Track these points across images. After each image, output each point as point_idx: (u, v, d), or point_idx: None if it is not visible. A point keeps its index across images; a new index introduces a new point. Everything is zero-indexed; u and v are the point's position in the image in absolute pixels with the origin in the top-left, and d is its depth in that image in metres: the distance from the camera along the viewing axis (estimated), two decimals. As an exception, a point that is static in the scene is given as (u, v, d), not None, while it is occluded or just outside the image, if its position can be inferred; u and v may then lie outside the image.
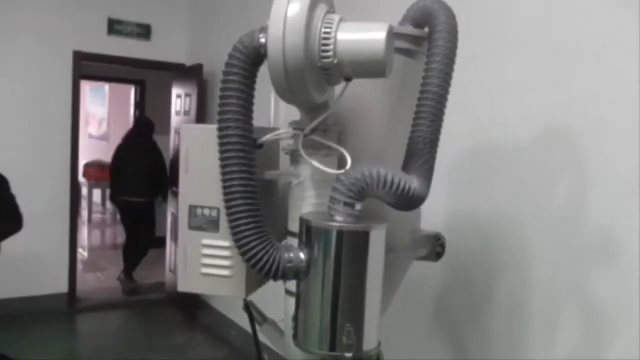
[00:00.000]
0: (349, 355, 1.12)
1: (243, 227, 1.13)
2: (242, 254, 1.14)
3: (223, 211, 1.22)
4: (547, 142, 2.08)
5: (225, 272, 1.26)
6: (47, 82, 4.69)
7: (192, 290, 1.31)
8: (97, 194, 9.04)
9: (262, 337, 1.69)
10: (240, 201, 1.14)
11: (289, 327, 1.29)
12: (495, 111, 2.28)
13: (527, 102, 2.15)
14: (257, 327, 1.71)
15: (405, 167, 1.33)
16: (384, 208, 1.32)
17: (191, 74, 4.80)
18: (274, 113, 1.58)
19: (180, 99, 4.91)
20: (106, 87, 8.96)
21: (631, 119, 1.80)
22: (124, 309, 5.01)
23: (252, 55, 1.16)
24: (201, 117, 4.64)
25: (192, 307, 4.75)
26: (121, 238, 7.87)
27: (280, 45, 1.08)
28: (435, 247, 1.63)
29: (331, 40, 1.11)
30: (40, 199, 4.67)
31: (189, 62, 5.09)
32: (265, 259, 1.13)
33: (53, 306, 4.70)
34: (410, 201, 1.24)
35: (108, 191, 8.82)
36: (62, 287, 4.80)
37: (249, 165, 1.16)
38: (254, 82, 1.19)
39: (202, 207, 1.27)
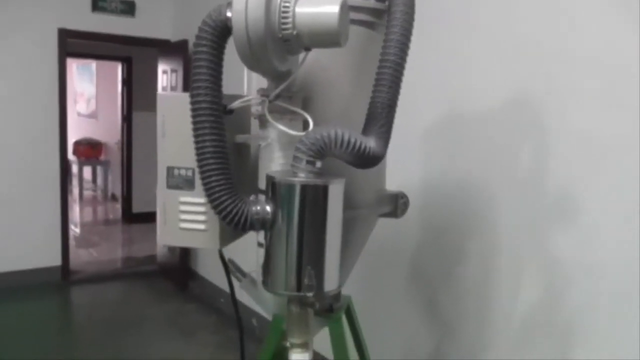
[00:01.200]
0: (310, 294, 1.26)
1: (214, 184, 1.26)
2: (214, 208, 1.27)
3: (198, 171, 1.35)
4: (513, 108, 2.21)
5: (201, 227, 1.39)
6: (33, 60, 4.76)
7: (172, 244, 1.44)
8: (87, 171, 9.14)
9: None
10: (211, 160, 1.26)
11: (260, 275, 1.43)
12: (467, 81, 2.41)
13: (495, 72, 2.28)
14: (237, 283, 1.84)
15: (365, 130, 1.45)
16: (350, 170, 1.45)
17: (177, 49, 4.88)
18: (247, 82, 1.70)
19: (166, 74, 5.00)
20: (93, 64, 8.99)
21: (591, 83, 1.93)
22: (117, 281, 5.16)
23: (219, 29, 1.27)
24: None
25: (183, 277, 4.91)
26: (112, 215, 8.02)
27: (243, 18, 1.19)
28: (398, 204, 1.76)
29: (290, 13, 1.23)
30: (31, 177, 4.79)
31: (174, 38, 5.17)
32: (234, 211, 1.27)
33: (47, 279, 4.85)
34: (367, 159, 1.36)
35: (101, 168, 8.94)
36: (56, 260, 4.94)
37: (218, 128, 1.28)
38: (222, 53, 1.31)
39: (178, 168, 1.39)
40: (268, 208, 1.28)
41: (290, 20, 1.23)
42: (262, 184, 1.47)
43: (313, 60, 1.53)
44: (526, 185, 2.17)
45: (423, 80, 2.56)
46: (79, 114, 9.70)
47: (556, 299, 2.07)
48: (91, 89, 9.26)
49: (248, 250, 2.08)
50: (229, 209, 1.27)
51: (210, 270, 4.73)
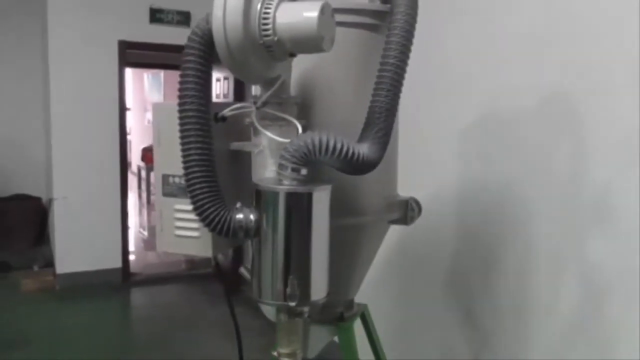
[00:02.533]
0: (292, 303, 1.24)
1: (198, 192, 1.27)
2: (198, 215, 1.28)
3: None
4: (549, 108, 2.10)
5: (194, 234, 1.41)
6: (95, 71, 4.99)
7: (168, 250, 1.46)
8: (155, 176, 9.47)
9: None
10: (196, 169, 1.27)
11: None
12: (501, 82, 2.31)
13: (530, 70, 2.17)
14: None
15: (362, 135, 1.42)
16: (357, 177, 1.42)
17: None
18: (253, 88, 1.70)
19: (219, 82, 5.11)
20: (162, 74, 9.34)
21: (629, 82, 1.80)
22: (174, 283, 5.32)
23: (206, 37, 1.28)
24: (239, 99, 4.82)
25: (235, 280, 4.98)
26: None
27: (221, 24, 1.20)
28: (407, 211, 1.71)
29: (270, 20, 1.22)
30: (95, 183, 5.03)
31: (227, 46, 5.27)
32: (217, 219, 1.26)
33: (109, 280, 5.07)
34: (357, 166, 1.33)
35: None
36: (117, 262, 5.16)
37: (204, 136, 1.29)
38: (210, 62, 1.32)
39: (173, 176, 1.41)
40: (252, 216, 1.27)
41: (270, 26, 1.22)
42: (254, 191, 1.46)
43: (313, 65, 1.52)
44: (564, 188, 2.05)
45: (456, 81, 2.48)
46: (149, 122, 10.11)
47: (596, 307, 1.94)
48: (160, 97, 9.62)
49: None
50: (212, 216, 1.27)
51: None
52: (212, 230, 1.28)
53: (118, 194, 5.14)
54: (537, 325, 2.18)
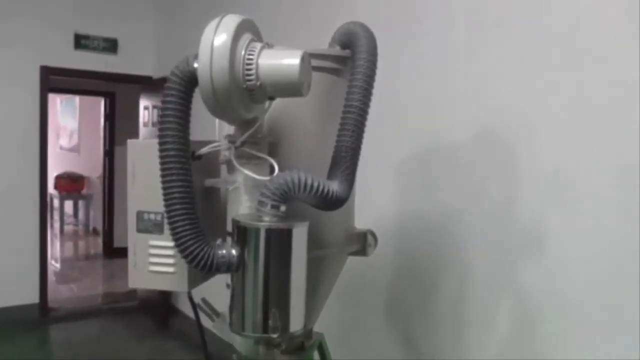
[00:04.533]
0: (275, 335, 1.29)
1: (180, 229, 1.30)
2: (181, 252, 1.31)
3: (165, 216, 1.39)
4: (483, 144, 2.28)
5: (169, 269, 1.43)
6: (15, 96, 4.80)
7: (142, 286, 1.47)
8: (68, 205, 9.09)
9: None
10: (178, 206, 1.30)
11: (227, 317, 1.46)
12: (438, 118, 2.48)
13: (465, 108, 2.35)
14: (210, 322, 1.86)
15: (330, 173, 1.50)
16: (318, 210, 1.50)
17: (158, 86, 4.94)
18: (218, 128, 1.75)
19: (147, 110, 5.05)
20: (77, 99, 9.03)
21: (558, 120, 2.00)
22: (97, 318, 5.11)
23: (186, 79, 1.33)
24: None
25: (164, 314, 4.87)
26: (93, 249, 7.97)
27: (208, 69, 1.25)
28: (365, 243, 1.81)
29: (253, 66, 1.29)
30: (9, 211, 4.77)
31: (156, 75, 5.24)
32: (200, 255, 1.30)
33: (25, 317, 4.79)
34: (330, 202, 1.41)
35: (82, 202, 8.88)
36: (34, 297, 4.89)
37: (185, 174, 1.32)
38: (189, 102, 1.36)
39: (148, 213, 1.43)
40: (234, 251, 1.32)
41: (253, 72, 1.29)
42: (230, 227, 1.51)
43: (280, 107, 1.60)
44: (498, 219, 2.22)
45: (394, 114, 2.64)
46: (61, 148, 9.70)
47: (528, 330, 2.11)
48: (74, 123, 9.28)
49: (221, 290, 2.11)
50: (195, 252, 1.30)
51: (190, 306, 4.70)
52: (195, 266, 1.31)
53: (35, 224, 4.90)
54: (474, 348, 2.33)
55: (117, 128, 7.35)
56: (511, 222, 2.18)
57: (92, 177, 8.59)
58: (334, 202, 1.43)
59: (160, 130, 1.33)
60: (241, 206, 1.48)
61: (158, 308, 4.92)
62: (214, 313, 1.82)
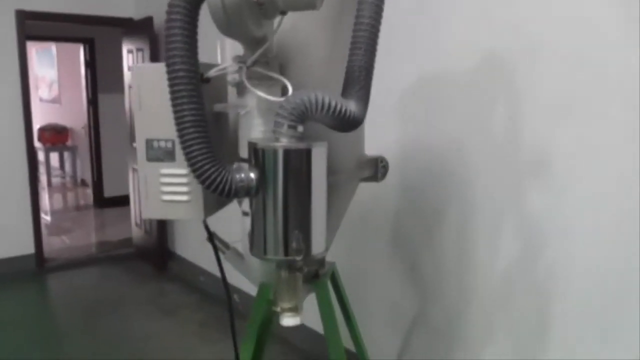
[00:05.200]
0: (299, 258, 1.27)
1: (197, 153, 1.25)
2: (197, 177, 1.26)
3: (178, 142, 1.34)
4: (486, 67, 2.23)
5: (184, 198, 1.38)
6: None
7: (155, 217, 1.42)
8: (54, 157, 8.94)
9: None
10: (192, 129, 1.25)
11: (247, 243, 1.43)
12: (441, 44, 2.42)
13: (469, 35, 2.29)
14: (222, 255, 1.84)
15: (344, 93, 1.45)
16: (328, 135, 1.45)
17: (141, 28, 4.77)
18: (220, 51, 1.67)
19: (132, 54, 4.89)
20: (53, 47, 8.73)
21: (562, 41, 1.95)
22: (94, 266, 5.10)
23: None
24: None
25: (161, 258, 4.88)
26: (83, 200, 7.90)
27: (218, -18, 1.17)
28: (378, 168, 1.78)
29: (264, -24, 1.21)
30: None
31: (137, 16, 5.04)
32: (218, 179, 1.26)
33: (22, 268, 4.77)
34: (348, 123, 1.37)
35: (68, 154, 8.74)
36: (29, 249, 4.85)
37: (197, 96, 1.26)
38: (196, 19, 1.28)
39: (157, 140, 1.38)
40: (252, 175, 1.28)
41: (264, -17, 1.21)
42: (243, 153, 1.46)
43: (288, 25, 1.52)
44: (502, 146, 2.20)
45: (395, 42, 2.56)
46: (42, 100, 9.45)
47: (533, 256, 2.13)
48: (52, 74, 9.01)
49: (231, 222, 2.08)
50: (212, 177, 1.25)
51: (189, 250, 4.72)
52: (214, 191, 1.27)
53: (24, 176, 4.80)
54: (479, 278, 2.35)
55: (99, 76, 7.14)
56: (516, 146, 2.16)
57: (76, 128, 8.42)
58: (351, 123, 1.38)
59: (167, 50, 1.26)
60: (254, 131, 1.43)
61: (155, 253, 4.91)
62: (224, 246, 1.80)
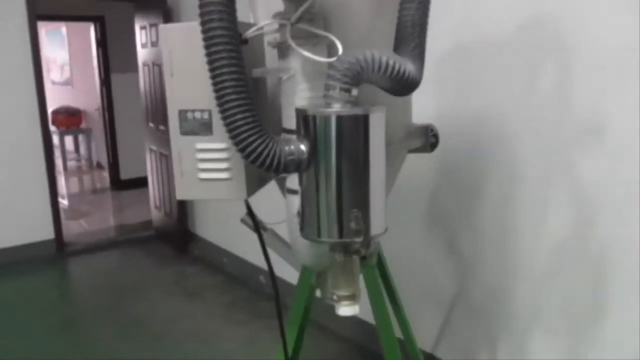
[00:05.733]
0: (358, 240, 1.12)
1: (240, 123, 1.09)
2: (241, 150, 1.11)
3: (215, 113, 1.18)
4: (530, 32, 2.05)
5: (224, 175, 1.24)
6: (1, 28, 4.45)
7: (192, 197, 1.28)
8: (69, 141, 8.84)
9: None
10: (233, 96, 1.09)
11: (294, 223, 1.29)
12: (479, 6, 2.23)
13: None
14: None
15: (397, 52, 1.29)
16: (376, 101, 1.29)
17: (154, 2, 4.59)
18: (251, 8, 1.51)
19: (145, 30, 4.71)
20: (63, 28, 8.57)
21: (612, 3, 1.77)
22: (114, 249, 5.01)
23: None
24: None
25: (183, 240, 4.77)
26: (100, 183, 7.81)
27: None
28: (428, 138, 1.62)
29: None
30: (14, 152, 4.56)
31: (148, -9, 4.86)
32: (265, 152, 1.10)
33: (42, 253, 4.68)
34: (406, 85, 1.21)
35: (83, 137, 8.64)
36: (49, 234, 4.76)
37: (238, 59, 1.10)
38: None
39: (192, 111, 1.22)
40: (302, 147, 1.12)
41: None
42: (287, 122, 1.30)
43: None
44: (546, 111, 2.03)
45: (432, 8, 2.37)
46: (54, 83, 9.32)
47: (586, 227, 1.96)
48: (63, 55, 8.86)
49: (265, 203, 1.93)
50: (259, 150, 1.10)
51: (211, 231, 4.60)
52: (260, 166, 1.11)
53: (41, 161, 4.69)
54: (523, 251, 2.19)
55: (112, 55, 6.98)
56: (564, 114, 1.98)
57: (89, 110, 8.29)
58: (410, 85, 1.22)
59: (202, 6, 1.10)
60: (298, 97, 1.27)
61: (176, 235, 4.80)
62: (261, 227, 1.66)
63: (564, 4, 1.91)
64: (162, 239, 5.04)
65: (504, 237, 2.26)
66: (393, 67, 1.15)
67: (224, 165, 1.23)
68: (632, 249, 1.82)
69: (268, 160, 1.10)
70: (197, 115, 1.22)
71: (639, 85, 1.74)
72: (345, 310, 1.18)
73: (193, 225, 4.85)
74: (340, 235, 1.13)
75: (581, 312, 2.01)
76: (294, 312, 1.65)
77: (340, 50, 1.18)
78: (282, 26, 1.20)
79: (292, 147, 1.12)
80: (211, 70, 1.11)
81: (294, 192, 1.31)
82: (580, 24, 1.87)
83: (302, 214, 1.18)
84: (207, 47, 1.10)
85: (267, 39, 1.28)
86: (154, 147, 4.82)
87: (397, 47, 1.29)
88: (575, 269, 2.01)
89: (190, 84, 1.20)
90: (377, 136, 1.13)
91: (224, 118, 1.11)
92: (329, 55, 1.22)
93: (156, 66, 4.53)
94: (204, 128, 1.23)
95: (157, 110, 4.60)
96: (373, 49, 1.14)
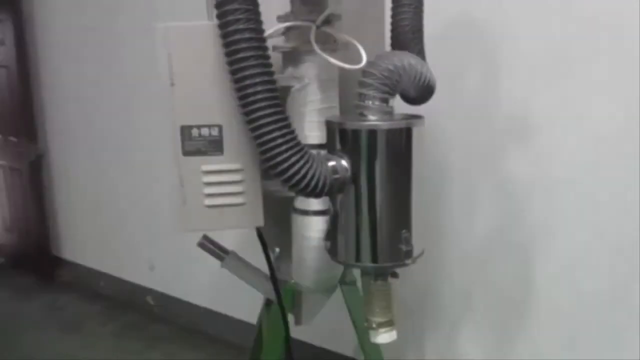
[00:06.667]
0: (409, 262, 1.03)
1: (280, 141, 0.93)
2: (280, 173, 0.94)
3: (227, 128, 1.02)
4: (458, 33, 2.09)
5: (237, 200, 1.06)
6: None
7: (196, 229, 1.08)
8: None
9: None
10: (269, 110, 0.93)
11: (312, 246, 1.16)
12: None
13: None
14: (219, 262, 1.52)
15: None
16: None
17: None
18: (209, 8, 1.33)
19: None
20: None
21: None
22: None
23: None
24: (21, 45, 3.90)
25: (46, 265, 4.21)
26: None
27: None
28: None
29: None
30: None
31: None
32: (310, 174, 0.95)
33: None
34: (430, 93, 1.15)
35: None
36: None
37: (269, 66, 0.95)
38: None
39: (198, 127, 1.03)
40: (345, 163, 1.00)
41: None
42: (307, 137, 1.15)
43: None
44: (475, 112, 2.08)
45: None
46: None
47: (513, 220, 2.05)
48: None
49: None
50: (303, 171, 0.95)
51: (82, 253, 4.12)
52: (303, 189, 0.96)
53: None
54: (452, 250, 2.23)
55: None
56: (493, 114, 2.05)
57: None
58: (432, 92, 1.16)
59: (220, 5, 0.92)
60: (307, 109, 1.14)
61: (37, 261, 4.23)
62: (221, 251, 1.49)
63: (491, 5, 1.97)
64: (18, 267, 4.40)
65: (431, 235, 2.28)
66: (424, 75, 1.07)
67: (237, 188, 1.06)
68: (554, 241, 1.93)
69: (313, 183, 0.96)
70: (204, 131, 1.04)
71: (567, 85, 1.84)
72: (384, 337, 1.09)
73: (58, 248, 4.30)
74: (391, 258, 1.03)
75: (507, 306, 2.11)
76: (271, 347, 1.48)
77: (365, 58, 1.08)
78: (299, 29, 1.06)
79: (334, 164, 0.99)
80: (239, 78, 0.93)
81: (304, 212, 1.18)
82: (507, 24, 1.94)
83: (333, 237, 1.06)
84: (232, 52, 0.93)
85: (271, 42, 1.13)
86: (2, 162, 4.20)
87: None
88: (503, 258, 2.09)
89: (195, 95, 1.01)
90: (416, 151, 1.05)
91: (258, 136, 0.94)
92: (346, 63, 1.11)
93: (3, 68, 3.96)
94: (213, 147, 1.04)
95: (6, 119, 4.03)
96: (402, 54, 1.06)
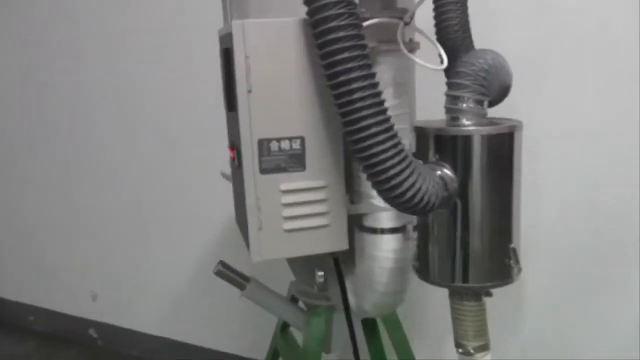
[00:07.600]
0: (516, 279, 0.95)
1: (391, 152, 0.81)
2: (389, 190, 0.81)
3: (310, 140, 0.88)
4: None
5: (320, 222, 0.93)
6: None
7: (276, 256, 0.93)
8: None
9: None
10: (379, 117, 0.81)
11: (383, 267, 1.04)
12: None
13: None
14: (240, 291, 1.37)
15: (458, 60, 1.13)
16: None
17: None
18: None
19: None
20: None
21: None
22: None
23: None
24: None
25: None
26: None
27: None
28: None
29: None
30: None
31: None
32: (423, 189, 0.83)
33: None
34: (506, 93, 1.07)
35: None
36: None
37: (372, 67, 0.83)
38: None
39: (278, 140, 0.89)
40: (450, 173, 0.90)
41: None
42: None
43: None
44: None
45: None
46: None
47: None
48: None
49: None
50: (416, 186, 0.82)
51: (5, 284, 3.68)
52: (413, 207, 0.84)
53: None
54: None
55: None
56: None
57: None
58: (508, 92, 1.09)
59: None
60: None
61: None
62: (242, 278, 1.35)
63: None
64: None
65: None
66: (510, 75, 1.00)
67: (321, 208, 0.92)
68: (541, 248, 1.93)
69: (426, 199, 0.84)
70: (285, 144, 0.89)
71: (553, 85, 1.83)
72: (485, 360, 0.99)
73: (-27, 282, 3.83)
74: (499, 275, 0.94)
75: (496, 319, 2.07)
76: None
77: (446, 60, 0.98)
78: (375, 27, 0.94)
79: (442, 176, 0.89)
80: (341, 83, 0.80)
81: (373, 230, 1.06)
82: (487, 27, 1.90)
83: (424, 257, 0.96)
84: (333, 52, 0.80)
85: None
86: None
87: (456, 55, 1.14)
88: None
89: (276, 103, 0.87)
90: (518, 157, 0.97)
91: (365, 148, 0.81)
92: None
93: None
94: (294, 162, 0.90)
95: None
96: (490, 53, 0.98)
